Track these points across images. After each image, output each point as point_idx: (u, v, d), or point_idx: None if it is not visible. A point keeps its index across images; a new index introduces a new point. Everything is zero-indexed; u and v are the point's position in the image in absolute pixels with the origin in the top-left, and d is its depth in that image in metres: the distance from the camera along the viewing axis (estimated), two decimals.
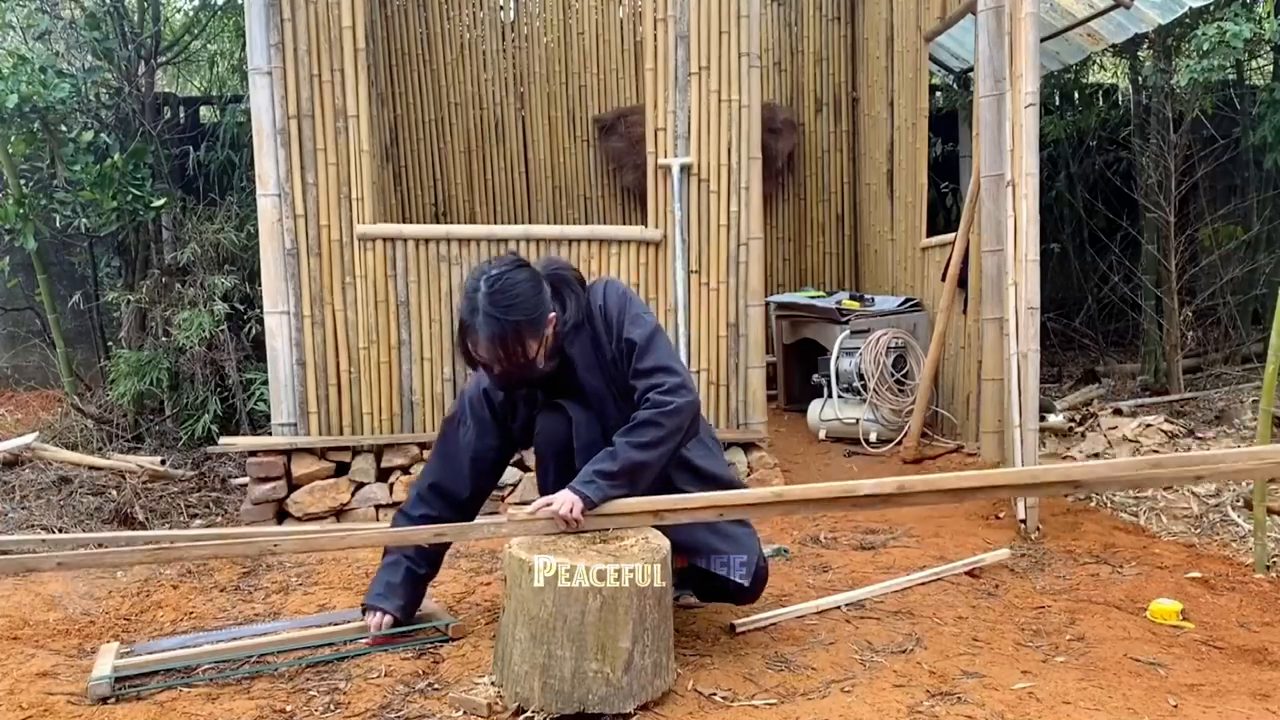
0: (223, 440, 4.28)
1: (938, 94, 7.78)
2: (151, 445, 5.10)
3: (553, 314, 2.46)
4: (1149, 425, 4.83)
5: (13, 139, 5.23)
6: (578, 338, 2.53)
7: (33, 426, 5.41)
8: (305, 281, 4.07)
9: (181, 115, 6.44)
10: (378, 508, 4.10)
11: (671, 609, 2.32)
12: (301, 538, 2.70)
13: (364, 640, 2.60)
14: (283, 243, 4.06)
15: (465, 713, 2.19)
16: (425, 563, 2.71)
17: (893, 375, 5.35)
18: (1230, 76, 6.66)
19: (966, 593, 2.99)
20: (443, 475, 2.69)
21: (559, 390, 2.57)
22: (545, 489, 2.59)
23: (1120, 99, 7.77)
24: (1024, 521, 3.63)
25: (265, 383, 4.45)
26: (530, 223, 6.88)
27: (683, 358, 4.17)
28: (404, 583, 2.65)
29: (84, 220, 5.20)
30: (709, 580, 2.60)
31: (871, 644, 2.56)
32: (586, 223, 6.93)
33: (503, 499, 4.14)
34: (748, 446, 4.29)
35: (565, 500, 2.34)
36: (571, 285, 2.56)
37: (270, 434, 4.16)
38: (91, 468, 4.48)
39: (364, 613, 2.66)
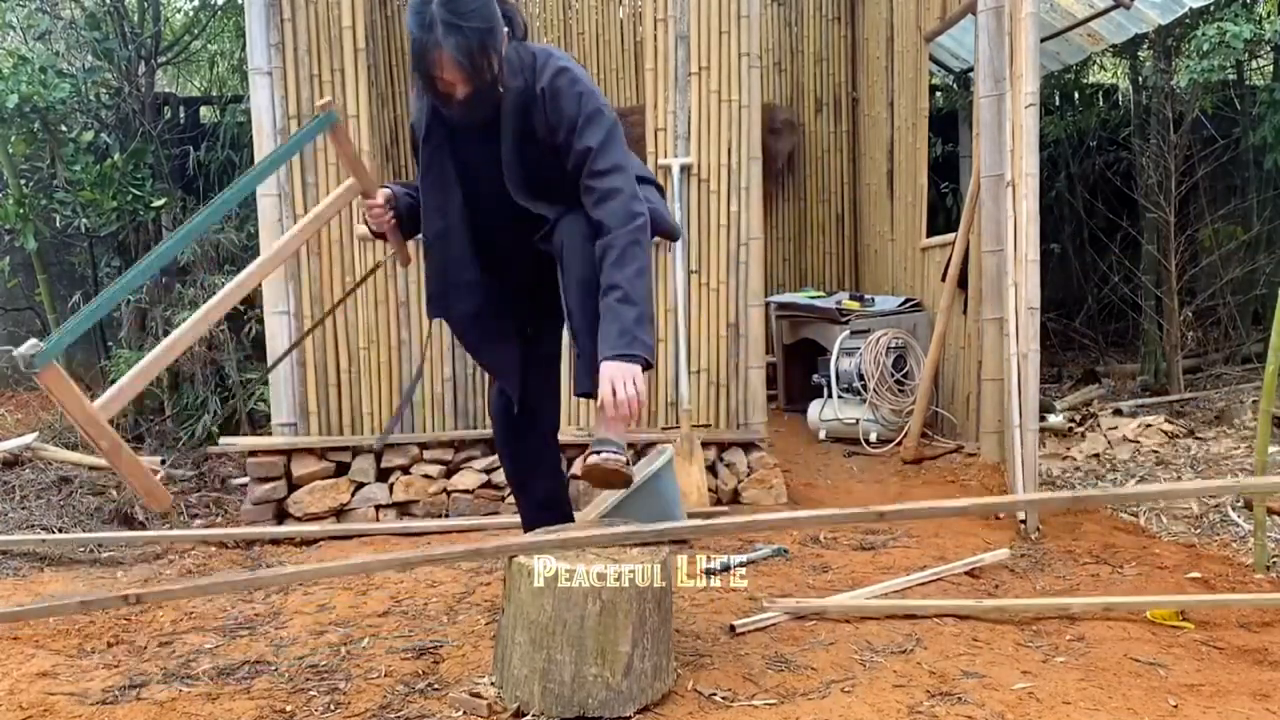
0: (223, 440, 4.28)
1: (938, 94, 7.79)
2: (151, 445, 5.10)
3: (505, 29, 2.21)
4: (1149, 425, 4.83)
5: (13, 139, 5.23)
6: (517, 91, 2.25)
7: (33, 426, 5.41)
8: (305, 282, 4.07)
9: (181, 115, 6.45)
10: (378, 508, 4.10)
11: (671, 611, 2.32)
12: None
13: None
14: None
15: (465, 713, 2.19)
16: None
17: (893, 375, 5.35)
18: (1230, 77, 6.66)
19: (966, 593, 2.99)
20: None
21: (475, 151, 2.31)
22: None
23: (1120, 99, 7.77)
24: (1024, 522, 3.63)
25: (265, 383, 4.45)
26: None
27: (682, 358, 4.17)
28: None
29: (84, 220, 5.21)
30: None
31: (871, 644, 2.55)
32: None
33: (502, 499, 4.14)
34: (748, 446, 4.28)
35: (620, 377, 2.06)
36: (513, 15, 2.29)
37: (270, 434, 4.16)
38: (91, 468, 4.48)
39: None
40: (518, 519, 2.86)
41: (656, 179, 2.62)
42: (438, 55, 2.11)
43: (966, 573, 3.16)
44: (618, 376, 2.09)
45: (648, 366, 2.13)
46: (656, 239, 2.66)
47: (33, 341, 1.74)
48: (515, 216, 2.35)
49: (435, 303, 2.49)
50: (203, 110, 6.91)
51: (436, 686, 2.33)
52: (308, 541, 3.78)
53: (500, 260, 2.46)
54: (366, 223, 2.57)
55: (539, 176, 2.33)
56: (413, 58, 2.16)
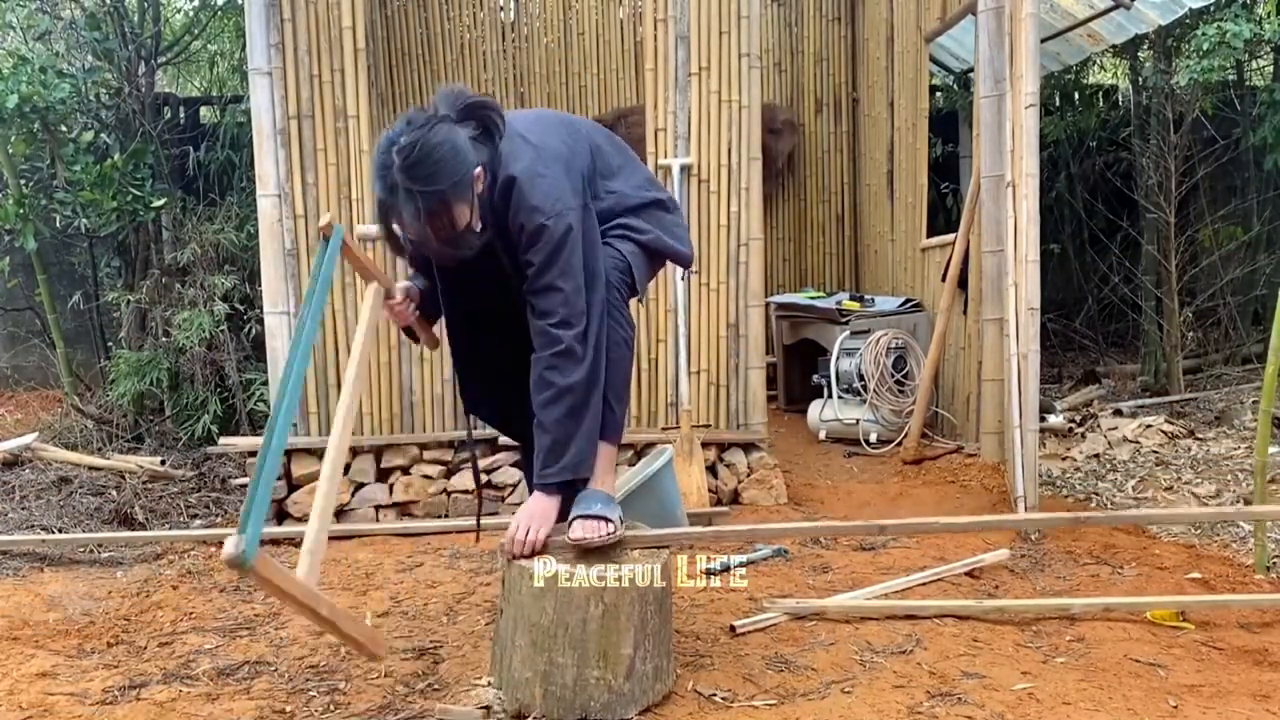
0: (223, 440, 4.28)
1: (938, 94, 7.79)
2: (151, 445, 5.10)
3: (479, 167, 2.12)
4: (1149, 426, 4.83)
5: (13, 139, 5.23)
6: (494, 207, 2.21)
7: (33, 426, 5.41)
8: (305, 282, 4.07)
9: (181, 115, 6.45)
10: (377, 508, 4.10)
11: (671, 612, 2.32)
12: None
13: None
14: (283, 243, 4.06)
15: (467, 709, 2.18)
16: None
17: (893, 376, 5.35)
18: (1230, 77, 6.66)
19: (966, 593, 2.99)
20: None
21: (471, 268, 2.28)
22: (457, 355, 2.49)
23: (1120, 99, 7.77)
24: None
25: (265, 383, 4.45)
26: None
27: (682, 358, 4.17)
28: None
29: (84, 220, 5.20)
30: None
31: (871, 644, 2.55)
32: None
33: (502, 499, 4.14)
34: (748, 447, 4.28)
35: (526, 518, 2.15)
36: (493, 128, 2.19)
37: None
38: (91, 468, 4.48)
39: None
40: None
41: (666, 196, 2.52)
42: (399, 218, 2.11)
43: (966, 573, 3.16)
44: (523, 518, 2.17)
45: (570, 486, 2.18)
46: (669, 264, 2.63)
47: (232, 540, 1.57)
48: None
49: (465, 395, 2.60)
50: (203, 110, 6.91)
51: (436, 686, 2.33)
52: None
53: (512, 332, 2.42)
54: (390, 321, 2.54)
55: None
56: (376, 214, 2.16)
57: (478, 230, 2.16)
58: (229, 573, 3.35)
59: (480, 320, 2.46)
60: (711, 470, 4.22)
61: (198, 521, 4.15)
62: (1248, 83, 6.99)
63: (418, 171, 2.04)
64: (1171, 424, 4.86)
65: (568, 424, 2.15)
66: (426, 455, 4.15)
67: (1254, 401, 5.21)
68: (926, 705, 2.20)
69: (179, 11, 7.01)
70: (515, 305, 2.31)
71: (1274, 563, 3.19)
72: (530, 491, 2.30)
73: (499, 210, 2.20)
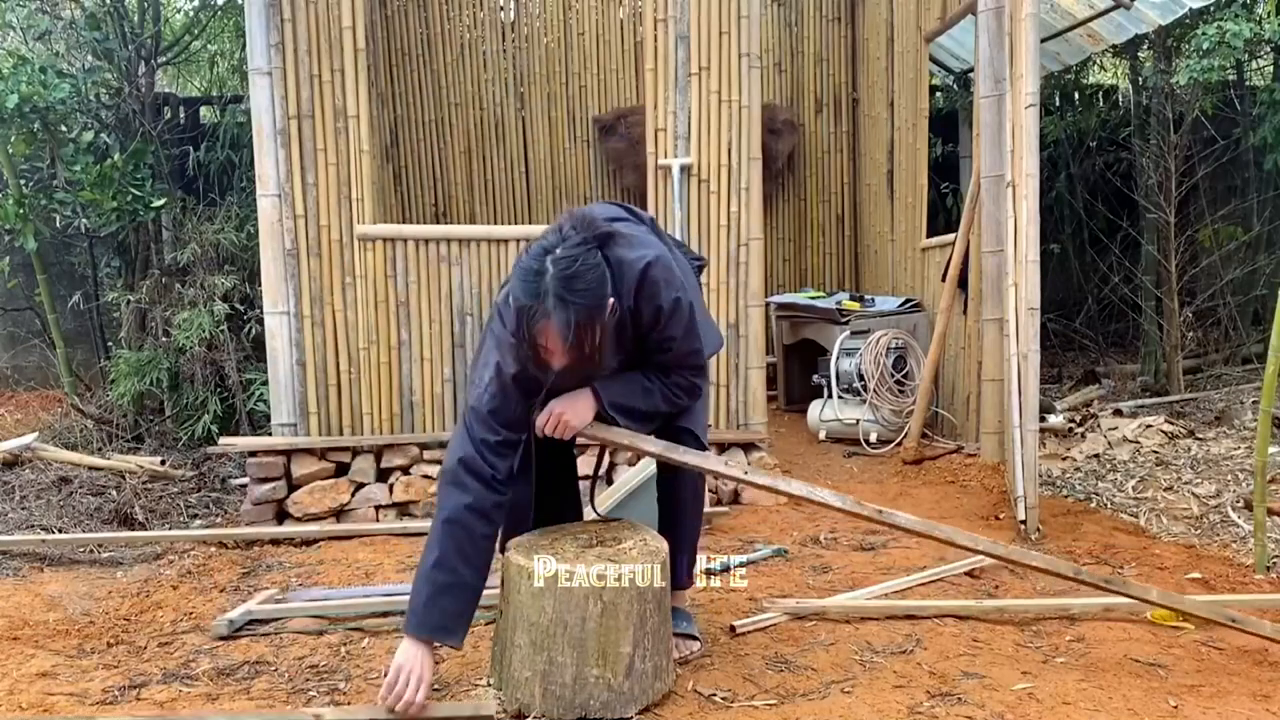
0: (223, 440, 4.28)
1: (938, 94, 7.79)
2: (151, 445, 5.10)
3: (613, 299, 2.15)
4: (1149, 426, 4.83)
5: (13, 139, 5.23)
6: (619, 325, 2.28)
7: (33, 426, 5.41)
8: (305, 282, 4.07)
9: (181, 115, 6.45)
10: (378, 508, 4.10)
11: (670, 612, 2.32)
12: None
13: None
14: (283, 243, 4.06)
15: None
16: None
17: (893, 376, 5.35)
18: (1230, 77, 6.66)
19: (966, 593, 2.99)
20: (512, 456, 2.25)
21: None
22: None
23: (1120, 99, 7.77)
24: (1024, 522, 3.63)
25: (265, 383, 4.45)
26: (530, 223, 6.88)
27: None
28: (467, 611, 2.19)
29: (84, 220, 5.21)
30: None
31: (871, 645, 2.56)
32: None
33: None
34: (748, 447, 4.29)
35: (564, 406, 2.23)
36: (621, 265, 2.24)
37: (270, 434, 4.16)
38: (91, 468, 4.48)
39: (404, 652, 2.12)
40: None
41: (694, 261, 2.65)
42: (544, 325, 2.08)
43: (966, 573, 3.16)
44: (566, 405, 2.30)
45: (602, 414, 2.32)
46: None
47: None
48: None
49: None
50: (203, 110, 6.91)
51: (436, 686, 2.33)
52: (308, 542, 3.78)
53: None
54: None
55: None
56: (516, 324, 2.12)
57: (606, 361, 2.21)
58: (229, 572, 3.35)
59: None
60: None
61: (198, 521, 4.15)
62: (1248, 83, 6.99)
63: (574, 285, 2.07)
64: (1171, 424, 4.86)
65: (649, 416, 2.39)
66: (426, 455, 4.16)
67: (1254, 401, 5.21)
68: (926, 705, 2.20)
69: (179, 11, 7.01)
70: None
71: (1274, 563, 3.19)
72: None
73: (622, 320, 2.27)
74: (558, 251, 2.10)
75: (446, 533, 2.15)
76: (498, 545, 2.30)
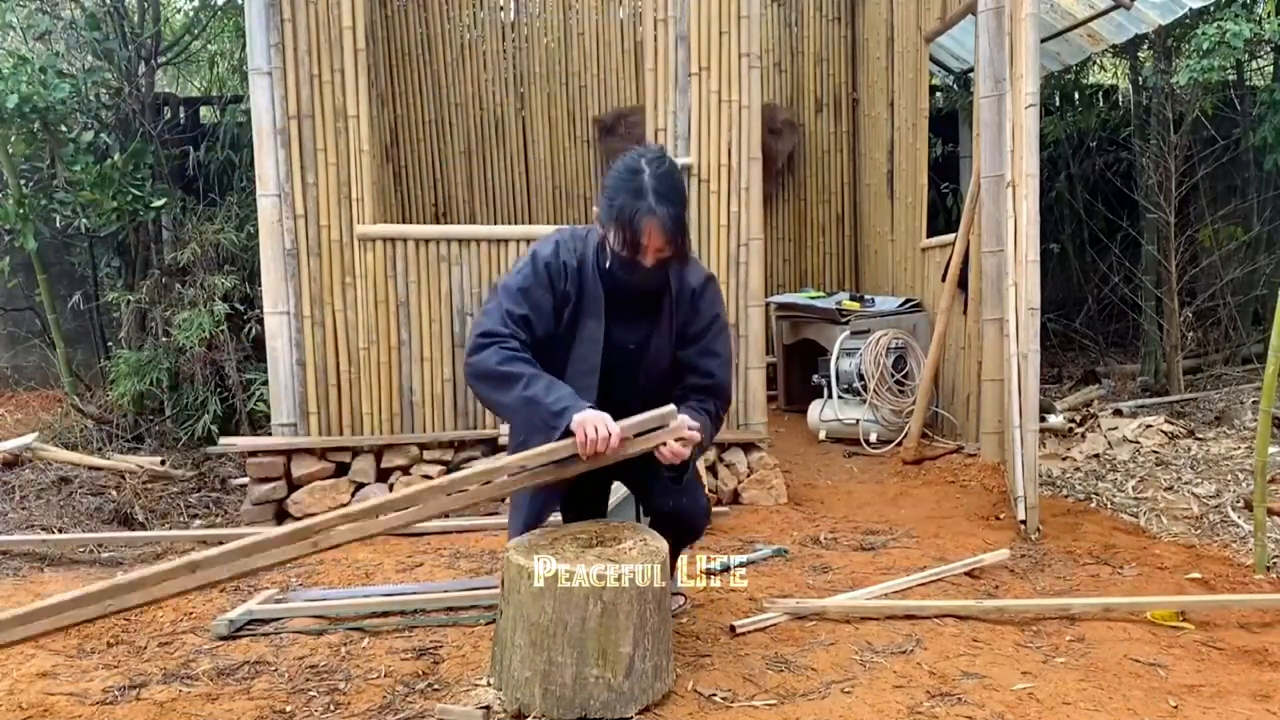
0: (223, 440, 4.28)
1: (938, 94, 7.79)
2: (151, 445, 5.10)
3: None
4: (1149, 426, 4.83)
5: (13, 139, 5.23)
6: (673, 287, 2.47)
7: (33, 426, 5.41)
8: (305, 282, 4.07)
9: (181, 115, 6.45)
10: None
11: (670, 612, 2.32)
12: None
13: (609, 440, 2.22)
14: (283, 243, 4.06)
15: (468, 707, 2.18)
16: None
17: (893, 376, 5.35)
18: (1230, 77, 6.66)
19: (966, 593, 2.99)
20: (526, 328, 2.37)
21: (625, 329, 2.46)
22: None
23: (1120, 99, 7.77)
24: (1024, 522, 3.63)
25: (265, 383, 4.45)
26: (530, 223, 6.89)
27: None
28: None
29: (84, 220, 5.21)
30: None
31: (871, 644, 2.56)
32: (586, 222, 6.91)
33: (503, 499, 4.14)
34: (748, 447, 4.28)
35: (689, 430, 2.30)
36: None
37: (270, 434, 4.16)
38: (91, 468, 4.48)
39: (565, 434, 2.22)
40: None
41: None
42: (649, 222, 2.26)
43: (966, 573, 3.16)
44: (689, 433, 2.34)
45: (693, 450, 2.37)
46: None
47: None
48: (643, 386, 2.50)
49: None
50: (203, 110, 6.91)
51: (436, 686, 2.33)
52: None
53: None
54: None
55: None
56: (617, 222, 2.29)
57: (683, 263, 2.40)
58: None
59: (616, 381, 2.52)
60: (711, 470, 4.22)
61: (198, 521, 4.15)
62: (1248, 83, 6.99)
63: (670, 181, 2.31)
64: (1171, 424, 4.86)
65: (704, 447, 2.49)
66: (427, 455, 4.16)
67: (1254, 401, 5.21)
68: (926, 705, 2.20)
69: (179, 11, 7.01)
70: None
71: (1274, 563, 3.19)
72: None
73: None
74: (651, 155, 2.33)
75: (509, 361, 2.28)
76: (521, 530, 2.44)
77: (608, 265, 2.39)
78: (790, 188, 7.35)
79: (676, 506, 2.50)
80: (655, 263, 2.34)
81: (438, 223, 6.76)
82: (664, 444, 2.28)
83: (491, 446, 4.17)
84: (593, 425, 2.19)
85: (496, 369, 2.28)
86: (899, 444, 5.16)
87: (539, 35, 7.07)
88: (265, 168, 4.02)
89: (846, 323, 5.67)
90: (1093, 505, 4.02)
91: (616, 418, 2.46)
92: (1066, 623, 2.71)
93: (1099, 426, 4.94)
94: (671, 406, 2.31)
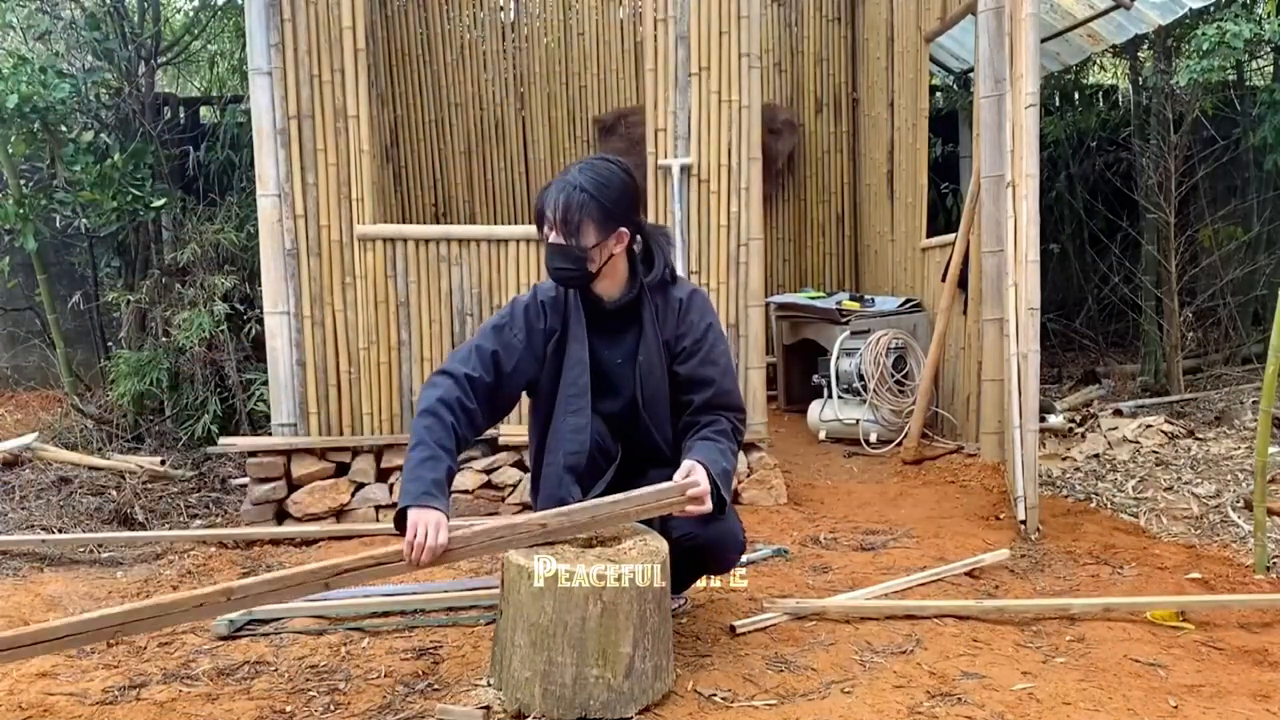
0: (223, 441, 4.28)
1: (938, 94, 7.79)
2: (151, 445, 5.10)
3: (625, 229, 2.44)
4: (1149, 426, 4.83)
5: (13, 139, 5.23)
6: (655, 303, 2.51)
7: (33, 426, 5.41)
8: (305, 282, 4.07)
9: (181, 115, 6.45)
10: (378, 509, 4.10)
11: (670, 612, 2.32)
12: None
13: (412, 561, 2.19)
14: (283, 243, 4.06)
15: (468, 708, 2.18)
16: (456, 459, 2.39)
17: (893, 376, 5.35)
18: (1230, 77, 6.66)
19: (966, 593, 2.99)
20: (481, 366, 2.42)
21: (609, 347, 2.52)
22: (537, 427, 2.55)
23: (1120, 100, 7.77)
24: (1024, 522, 3.63)
25: (265, 383, 4.45)
26: (530, 223, 6.88)
27: None
28: (447, 482, 2.31)
29: (84, 220, 5.21)
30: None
31: (871, 645, 2.56)
32: None
33: (503, 499, 4.14)
34: (747, 447, 4.28)
35: (703, 483, 2.27)
36: (664, 250, 2.57)
37: (270, 434, 4.16)
38: (91, 468, 4.48)
39: (400, 521, 2.23)
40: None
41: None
42: (548, 195, 2.42)
43: (966, 573, 3.16)
44: (704, 485, 2.30)
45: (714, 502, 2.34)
46: None
47: None
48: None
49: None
50: (203, 110, 6.91)
51: (436, 686, 2.33)
52: (308, 542, 3.78)
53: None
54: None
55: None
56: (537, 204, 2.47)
57: (590, 270, 2.42)
58: (229, 572, 3.35)
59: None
60: None
61: (198, 521, 4.15)
62: (1248, 83, 6.99)
63: (589, 172, 2.41)
64: (1171, 424, 4.86)
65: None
66: None
67: (1254, 401, 5.22)
68: (926, 705, 2.20)
69: (179, 11, 7.01)
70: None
71: (1274, 563, 3.19)
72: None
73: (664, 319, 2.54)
74: (597, 157, 2.49)
75: (420, 423, 2.33)
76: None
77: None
78: (790, 188, 7.35)
79: (699, 534, 2.40)
80: (555, 244, 2.41)
81: (438, 223, 6.76)
82: (680, 510, 2.28)
83: (491, 446, 4.17)
84: (423, 528, 2.15)
85: (416, 420, 2.36)
86: (899, 444, 5.16)
87: (539, 35, 7.07)
88: (265, 168, 4.02)
89: (846, 323, 5.67)
90: (1093, 505, 4.03)
91: (626, 436, 2.51)
92: (1066, 623, 2.71)
93: (1099, 426, 4.95)
94: (670, 483, 2.28)
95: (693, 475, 2.27)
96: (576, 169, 2.43)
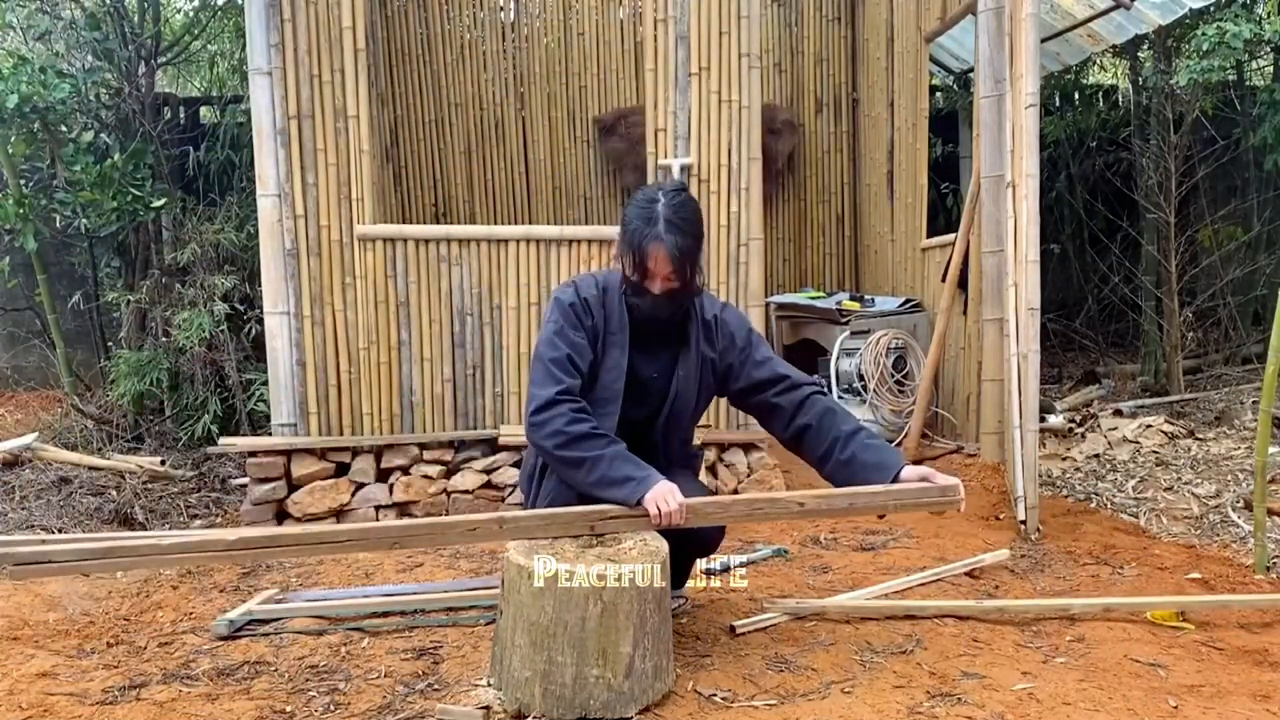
0: (223, 441, 4.28)
1: (938, 95, 7.78)
2: (151, 445, 5.10)
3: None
4: (1149, 426, 4.83)
5: (13, 139, 5.23)
6: (696, 320, 2.56)
7: (33, 426, 5.41)
8: (305, 282, 4.07)
9: (181, 115, 6.45)
10: (378, 508, 4.10)
11: (670, 611, 2.32)
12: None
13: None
14: (283, 243, 4.06)
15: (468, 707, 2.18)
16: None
17: (893, 376, 5.35)
18: (1230, 77, 6.66)
19: (966, 594, 2.99)
20: (574, 378, 2.41)
21: (647, 360, 2.53)
22: None
23: (1120, 100, 7.77)
24: (1024, 523, 3.63)
25: (265, 383, 4.45)
26: (530, 223, 6.88)
27: None
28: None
29: (84, 220, 5.20)
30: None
31: (871, 645, 2.56)
32: (586, 223, 6.94)
33: (502, 499, 4.14)
34: (747, 447, 4.28)
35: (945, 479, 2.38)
36: (700, 267, 2.59)
37: (270, 434, 4.16)
38: (91, 468, 4.48)
39: (638, 503, 2.27)
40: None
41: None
42: (655, 248, 2.37)
43: (966, 573, 3.16)
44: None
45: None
46: None
47: None
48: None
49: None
50: (203, 110, 6.91)
51: (436, 686, 2.33)
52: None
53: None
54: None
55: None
56: (628, 246, 2.41)
57: (687, 304, 2.48)
58: (229, 572, 3.35)
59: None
60: (711, 470, 4.22)
61: (198, 521, 4.15)
62: (1248, 83, 6.99)
63: (684, 213, 2.41)
64: (1171, 424, 4.86)
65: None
66: (426, 455, 4.16)
67: (1254, 401, 5.21)
68: (926, 705, 2.20)
69: (179, 11, 7.01)
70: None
71: (1274, 563, 3.19)
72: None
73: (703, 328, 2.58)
74: (668, 188, 2.46)
75: (569, 445, 2.31)
76: None
77: (627, 294, 2.49)
78: (790, 188, 7.35)
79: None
80: (664, 292, 2.42)
81: (438, 223, 6.76)
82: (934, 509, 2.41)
83: (491, 446, 4.17)
84: (656, 500, 2.24)
85: (558, 454, 2.33)
86: (899, 444, 5.16)
87: (539, 35, 7.06)
88: (265, 168, 4.02)
89: (846, 323, 5.67)
90: (1093, 505, 4.02)
91: (635, 442, 2.51)
92: (1066, 623, 2.71)
93: (1099, 426, 4.94)
94: (931, 484, 2.36)
95: (935, 479, 2.37)
96: (669, 210, 2.38)
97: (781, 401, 2.55)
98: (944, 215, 7.42)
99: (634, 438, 2.54)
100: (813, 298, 6.30)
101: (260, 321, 4.58)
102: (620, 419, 2.50)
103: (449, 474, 4.17)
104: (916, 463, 4.88)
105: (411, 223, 6.68)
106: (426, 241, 4.15)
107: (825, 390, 2.59)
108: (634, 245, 2.39)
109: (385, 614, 2.86)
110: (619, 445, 2.34)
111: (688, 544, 2.56)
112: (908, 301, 5.94)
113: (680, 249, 2.36)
